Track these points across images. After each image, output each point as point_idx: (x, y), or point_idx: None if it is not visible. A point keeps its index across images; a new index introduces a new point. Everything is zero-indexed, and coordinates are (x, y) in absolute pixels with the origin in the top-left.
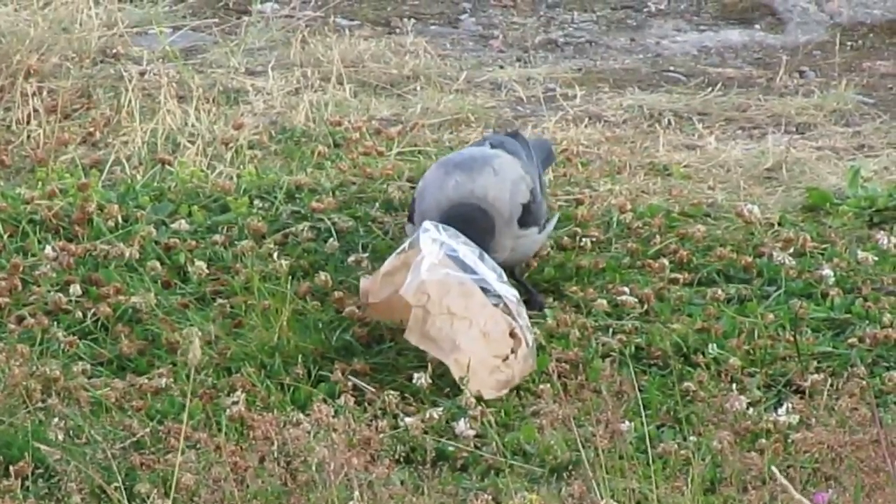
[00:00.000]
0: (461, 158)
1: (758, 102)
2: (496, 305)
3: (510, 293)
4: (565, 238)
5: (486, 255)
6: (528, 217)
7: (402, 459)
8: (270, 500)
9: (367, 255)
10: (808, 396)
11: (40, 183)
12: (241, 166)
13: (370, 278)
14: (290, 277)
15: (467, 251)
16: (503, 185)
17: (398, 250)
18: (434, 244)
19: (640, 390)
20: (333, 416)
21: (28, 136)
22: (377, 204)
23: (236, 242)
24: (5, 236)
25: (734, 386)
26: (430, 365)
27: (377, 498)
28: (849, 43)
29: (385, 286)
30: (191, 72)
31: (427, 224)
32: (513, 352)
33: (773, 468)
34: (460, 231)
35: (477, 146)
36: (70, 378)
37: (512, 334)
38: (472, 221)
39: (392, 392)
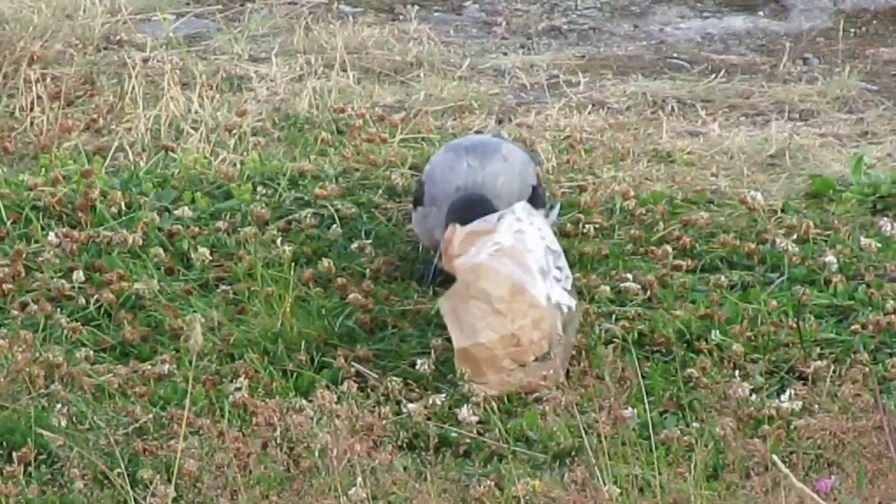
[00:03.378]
0: (471, 143)
1: (761, 89)
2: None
3: (567, 301)
4: (568, 225)
5: (562, 257)
6: (536, 199)
7: (404, 446)
8: (273, 487)
9: (370, 241)
10: (811, 383)
11: (44, 170)
12: (245, 153)
13: (458, 229)
14: (293, 264)
15: (544, 249)
16: (512, 169)
17: (493, 215)
18: (509, 232)
19: (642, 377)
20: (336, 403)
21: (31, 123)
22: (380, 191)
23: (239, 229)
24: (9, 223)
25: (737, 372)
26: (433, 351)
27: (380, 484)
28: (852, 30)
29: (465, 244)
30: (194, 59)
31: (519, 206)
32: (536, 360)
33: (774, 456)
34: (466, 218)
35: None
36: (73, 364)
37: (549, 343)
38: (475, 209)
39: (395, 378)
